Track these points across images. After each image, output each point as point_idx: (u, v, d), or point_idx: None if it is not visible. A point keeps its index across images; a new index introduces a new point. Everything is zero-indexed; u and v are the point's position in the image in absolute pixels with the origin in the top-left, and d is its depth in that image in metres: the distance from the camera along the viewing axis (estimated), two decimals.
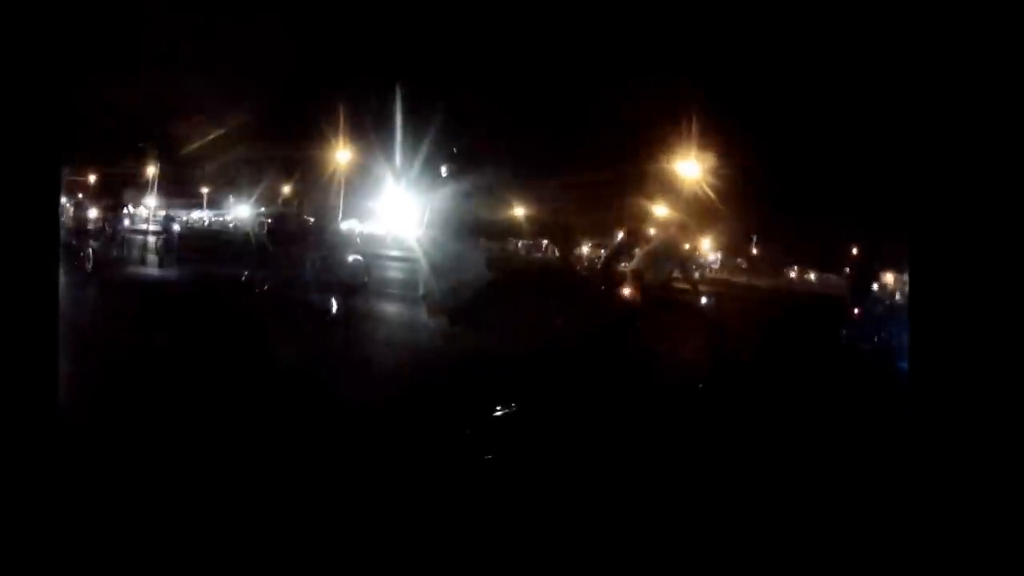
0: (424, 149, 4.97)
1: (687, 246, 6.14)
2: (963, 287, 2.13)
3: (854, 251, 17.60)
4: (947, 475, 2.17)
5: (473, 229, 4.46)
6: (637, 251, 5.79)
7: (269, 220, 8.28)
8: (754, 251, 39.44)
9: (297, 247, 7.05)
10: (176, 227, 13.19)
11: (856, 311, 9.90)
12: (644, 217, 7.09)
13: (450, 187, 4.59)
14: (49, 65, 2.14)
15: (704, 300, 6.55)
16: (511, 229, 5.12)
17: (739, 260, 42.27)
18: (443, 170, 4.65)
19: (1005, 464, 2.04)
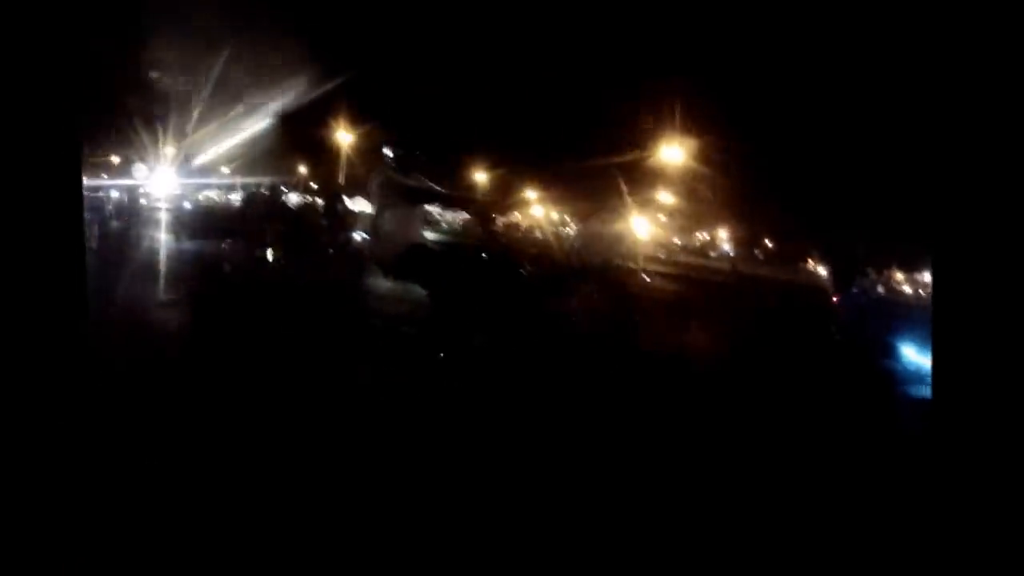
0: (402, 133, 5.23)
1: (625, 227, 6.26)
2: (987, 289, 2.13)
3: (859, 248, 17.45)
4: (968, 479, 2.15)
5: (414, 200, 4.78)
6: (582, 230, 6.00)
7: (243, 199, 9.05)
8: (768, 243, 39.21)
9: (268, 222, 7.59)
10: (187, 205, 13.79)
11: (836, 301, 9.96)
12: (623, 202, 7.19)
13: (396, 164, 4.90)
14: (68, 43, 2.26)
15: (646, 278, 6.66)
16: (465, 201, 5.41)
17: (756, 252, 42.02)
18: (387, 151, 4.97)
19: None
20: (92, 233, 12.00)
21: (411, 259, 4.63)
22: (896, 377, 7.54)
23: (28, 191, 2.18)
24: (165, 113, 17.93)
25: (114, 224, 13.26)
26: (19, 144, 2.17)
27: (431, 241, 5.07)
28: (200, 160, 19.03)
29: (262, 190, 8.60)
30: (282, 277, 6.98)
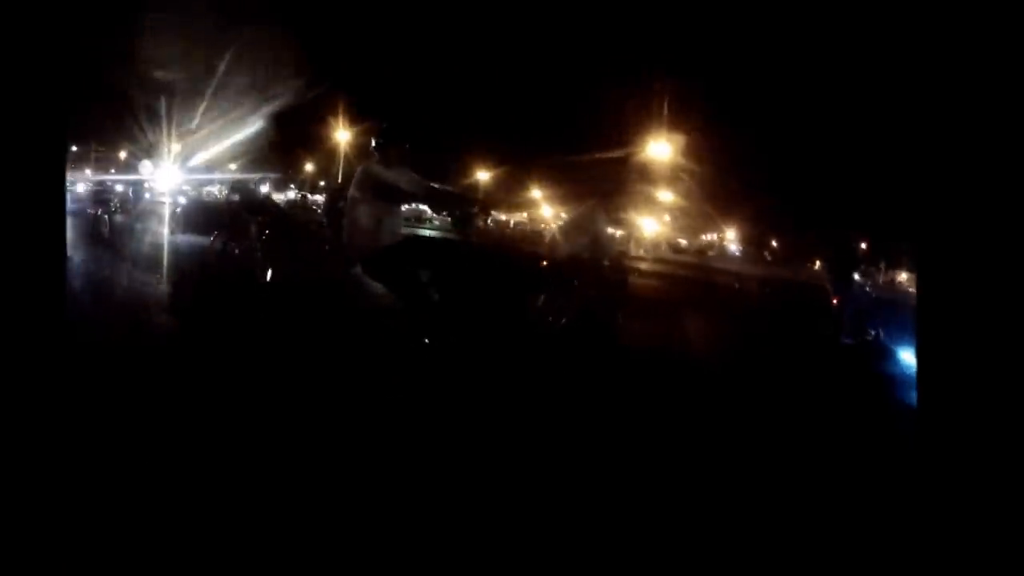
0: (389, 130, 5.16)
1: (608, 223, 6.21)
2: (973, 287, 2.05)
3: (862, 245, 17.21)
4: (954, 481, 2.09)
5: (395, 197, 4.73)
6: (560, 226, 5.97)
7: (228, 196, 9.32)
8: (774, 243, 39.35)
9: (251, 217, 7.75)
10: (182, 200, 14.14)
11: (835, 301, 9.79)
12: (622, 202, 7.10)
13: (380, 158, 4.85)
14: (55, 35, 2.19)
15: (620, 276, 6.56)
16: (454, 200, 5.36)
17: (765, 253, 42.10)
18: (372, 143, 4.93)
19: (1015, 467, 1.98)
20: (103, 224, 12.70)
21: (385, 258, 4.56)
22: (892, 382, 7.32)
23: (10, 183, 2.21)
24: (171, 110, 18.18)
25: (118, 218, 13.72)
26: (2, 138, 2.21)
27: (410, 239, 4.99)
28: (204, 157, 19.29)
29: (249, 186, 8.76)
30: (264, 272, 7.15)
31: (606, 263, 5.99)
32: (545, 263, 5.87)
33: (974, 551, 2.08)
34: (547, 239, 6.29)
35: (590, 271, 5.76)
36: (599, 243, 5.92)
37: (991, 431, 2.07)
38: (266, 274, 6.57)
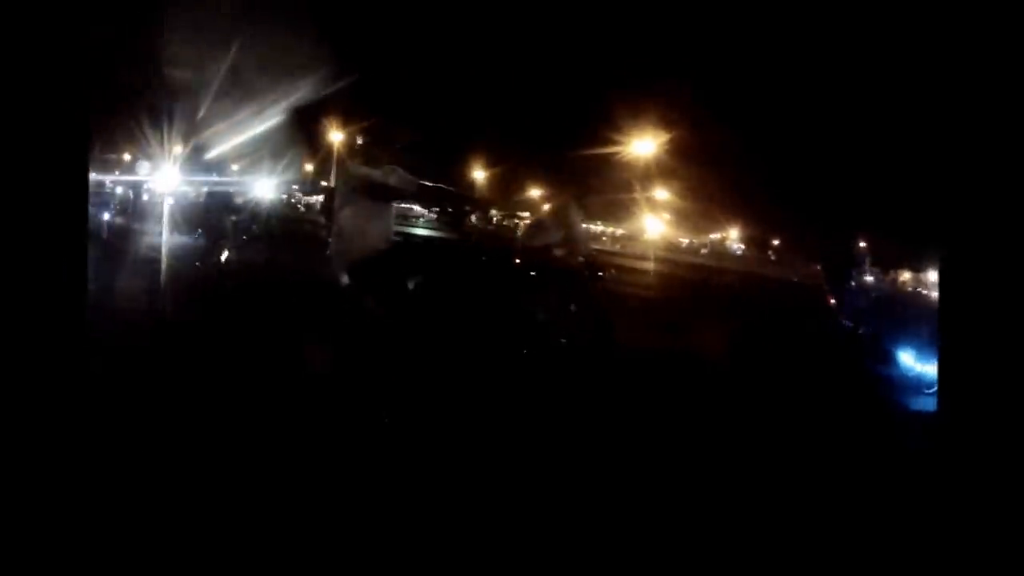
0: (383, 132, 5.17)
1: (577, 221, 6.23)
2: (995, 290, 2.10)
3: (862, 244, 17.15)
4: (973, 483, 2.16)
5: (383, 196, 4.73)
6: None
7: (206, 196, 9.75)
8: (775, 243, 39.22)
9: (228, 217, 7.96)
10: (171, 201, 14.53)
11: (833, 303, 9.79)
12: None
13: (366, 157, 4.85)
14: (79, 37, 2.33)
15: (586, 272, 6.56)
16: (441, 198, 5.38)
17: (769, 252, 41.88)
18: (358, 141, 4.93)
19: None
20: (103, 225, 12.95)
21: (371, 266, 4.56)
22: (893, 386, 7.25)
23: (34, 185, 2.24)
24: (173, 111, 18.21)
25: (118, 220, 14.17)
26: (28, 139, 2.23)
27: (398, 242, 4.99)
28: (207, 157, 19.30)
29: (230, 187, 8.98)
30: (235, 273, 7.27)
31: (580, 259, 6.00)
32: (518, 261, 5.88)
33: (990, 552, 2.16)
34: (519, 236, 6.32)
35: (559, 266, 5.75)
36: (573, 240, 5.91)
37: (1012, 434, 2.11)
38: (236, 274, 6.65)
